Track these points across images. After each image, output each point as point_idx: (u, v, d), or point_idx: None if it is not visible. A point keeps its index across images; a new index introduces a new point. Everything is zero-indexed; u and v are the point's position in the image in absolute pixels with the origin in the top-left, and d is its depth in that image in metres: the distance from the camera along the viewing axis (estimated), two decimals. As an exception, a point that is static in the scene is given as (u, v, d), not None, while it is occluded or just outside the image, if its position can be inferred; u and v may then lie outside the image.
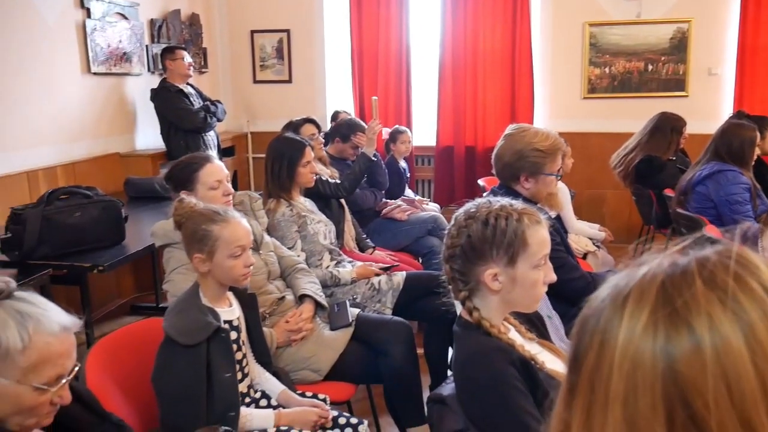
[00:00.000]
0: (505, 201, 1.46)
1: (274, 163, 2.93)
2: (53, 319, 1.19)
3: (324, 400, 2.07)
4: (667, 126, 4.22)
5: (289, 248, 2.76)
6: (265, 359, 2.05)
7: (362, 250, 3.58)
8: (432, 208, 4.54)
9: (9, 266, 2.73)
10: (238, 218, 1.91)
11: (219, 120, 4.79)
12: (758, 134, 3.58)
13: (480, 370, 1.36)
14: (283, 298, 2.45)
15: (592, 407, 0.58)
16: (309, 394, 2.09)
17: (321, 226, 2.96)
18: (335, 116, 4.87)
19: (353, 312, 2.52)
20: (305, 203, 3.03)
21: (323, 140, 4.02)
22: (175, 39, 5.23)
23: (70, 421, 1.31)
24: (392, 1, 5.73)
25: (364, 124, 4.04)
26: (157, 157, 4.65)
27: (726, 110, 5.23)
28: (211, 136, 4.75)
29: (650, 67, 5.50)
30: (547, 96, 5.75)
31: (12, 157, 3.60)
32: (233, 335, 1.86)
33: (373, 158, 3.59)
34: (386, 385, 2.43)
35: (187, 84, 4.69)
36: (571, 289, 2.29)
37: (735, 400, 0.53)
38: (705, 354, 0.54)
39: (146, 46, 4.89)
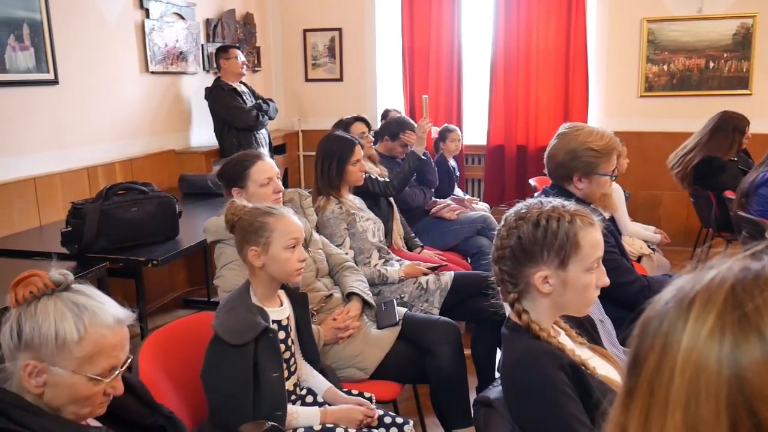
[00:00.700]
0: (557, 202, 1.42)
1: (324, 161, 2.95)
2: (108, 312, 1.22)
3: (370, 399, 2.07)
4: (729, 125, 4.07)
5: (338, 246, 2.77)
6: (312, 357, 2.06)
7: (410, 249, 3.57)
8: (482, 208, 4.50)
9: (68, 259, 2.82)
10: (291, 214, 1.93)
11: (271, 118, 4.86)
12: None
13: (528, 374, 1.33)
14: (330, 295, 2.46)
15: (651, 411, 0.57)
16: (355, 392, 2.08)
17: (370, 224, 2.96)
18: (385, 114, 4.88)
19: (400, 311, 2.52)
20: (354, 201, 3.04)
21: (373, 138, 4.02)
22: (230, 38, 5.33)
23: (122, 412, 1.34)
24: (444, -2, 5.71)
25: (413, 122, 4.03)
26: (210, 154, 4.74)
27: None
28: (262, 134, 4.81)
29: (711, 65, 5.30)
30: (602, 94, 5.61)
31: (73, 153, 3.73)
32: (281, 335, 1.87)
33: (422, 157, 3.57)
34: (433, 386, 2.41)
35: (241, 82, 4.77)
36: (625, 293, 2.23)
37: None
38: None
39: (202, 45, 4.99)
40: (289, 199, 2.67)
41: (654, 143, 5.32)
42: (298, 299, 2.01)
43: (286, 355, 1.89)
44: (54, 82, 3.56)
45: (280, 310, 1.93)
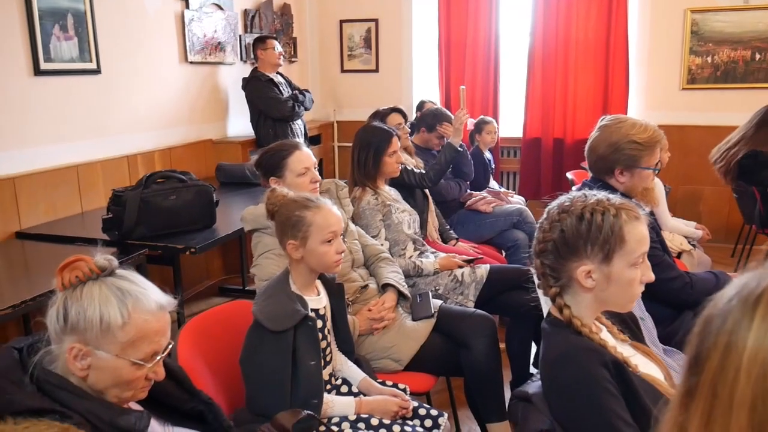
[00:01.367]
0: (601, 195, 1.39)
1: (361, 152, 2.95)
2: (151, 298, 1.24)
3: (404, 390, 2.06)
4: (776, 119, 3.95)
5: (373, 237, 2.77)
6: (347, 347, 2.06)
7: (445, 241, 3.55)
8: (517, 201, 4.45)
9: (109, 245, 2.87)
10: (329, 205, 1.92)
11: (306, 109, 4.87)
12: None
13: (569, 370, 1.31)
14: (366, 286, 2.46)
15: (714, 412, 0.55)
16: (389, 383, 2.08)
17: (405, 216, 2.95)
18: (421, 106, 4.85)
19: (436, 303, 2.50)
20: (390, 192, 3.03)
21: (409, 130, 4.00)
22: (267, 29, 5.36)
23: (163, 397, 1.36)
24: (482, -11, 5.64)
25: (450, 114, 4.00)
26: (247, 144, 4.78)
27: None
28: (298, 125, 4.83)
29: (758, 56, 5.14)
30: (642, 87, 5.50)
31: (114, 141, 3.80)
32: (318, 324, 1.87)
33: (459, 149, 3.55)
34: (467, 379, 2.40)
35: (278, 73, 4.79)
36: (666, 289, 2.18)
37: None
38: None
39: (239, 35, 5.03)
40: (325, 189, 2.68)
41: (696, 137, 5.19)
42: (335, 289, 2.01)
43: (323, 344, 1.90)
44: (96, 71, 3.62)
45: (318, 299, 1.93)
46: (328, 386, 1.95)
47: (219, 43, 4.74)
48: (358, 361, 2.10)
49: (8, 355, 1.19)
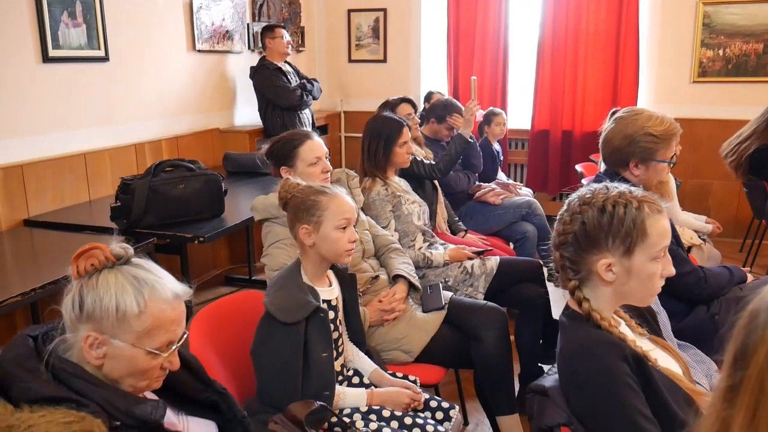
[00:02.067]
0: (623, 187, 1.37)
1: (371, 142, 2.92)
2: (167, 287, 1.22)
3: (414, 382, 2.05)
4: (789, 113, 3.90)
5: (383, 227, 2.75)
6: (358, 338, 2.05)
7: (454, 232, 3.53)
8: (525, 193, 4.43)
9: (117, 234, 2.85)
10: (344, 194, 1.91)
11: (315, 98, 4.85)
12: None
13: (588, 364, 1.29)
14: (377, 277, 2.44)
15: (760, 407, 0.53)
16: (399, 374, 2.07)
17: (415, 207, 2.93)
18: (429, 96, 4.82)
19: (446, 295, 2.49)
20: (400, 183, 3.01)
21: (419, 120, 3.98)
22: (275, 17, 5.32)
23: (177, 386, 1.34)
24: (492, -21, 5.59)
25: (460, 105, 3.97)
26: (254, 133, 4.76)
27: None
28: (306, 114, 4.81)
29: (770, 50, 5.10)
30: (652, 79, 5.45)
31: (122, 130, 3.78)
32: (330, 315, 1.86)
33: (469, 140, 3.52)
34: (477, 372, 2.38)
35: (285, 62, 4.76)
36: (680, 283, 2.16)
37: None
38: None
39: (247, 24, 4.99)
40: (336, 179, 2.66)
41: (705, 131, 5.15)
42: (347, 280, 2.00)
43: (335, 335, 1.88)
44: (104, 59, 3.60)
45: (330, 290, 1.92)
46: (341, 377, 1.93)
47: (227, 31, 4.71)
48: (368, 353, 2.09)
49: (23, 343, 1.17)
